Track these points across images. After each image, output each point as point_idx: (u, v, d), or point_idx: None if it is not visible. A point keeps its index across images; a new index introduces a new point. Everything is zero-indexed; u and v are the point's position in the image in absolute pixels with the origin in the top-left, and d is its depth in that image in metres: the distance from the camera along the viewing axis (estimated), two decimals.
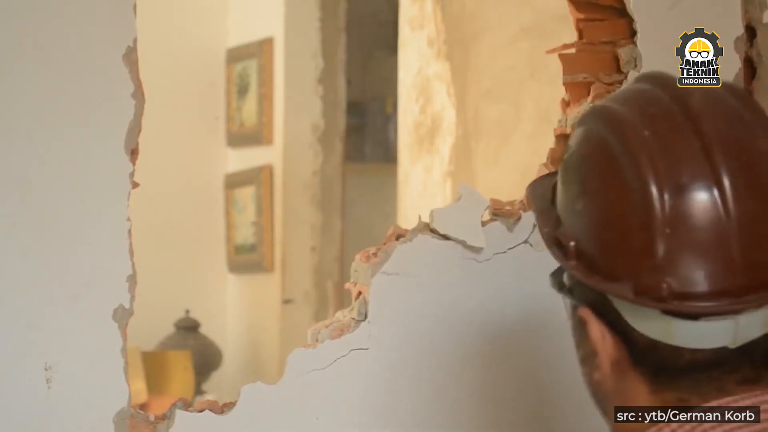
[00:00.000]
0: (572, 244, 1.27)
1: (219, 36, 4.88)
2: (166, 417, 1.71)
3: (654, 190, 1.23)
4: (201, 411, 1.72)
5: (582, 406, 1.85)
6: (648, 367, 1.27)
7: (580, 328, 1.31)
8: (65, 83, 1.64)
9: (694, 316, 1.23)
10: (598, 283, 1.26)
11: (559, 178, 1.33)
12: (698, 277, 1.22)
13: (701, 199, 1.22)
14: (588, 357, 1.31)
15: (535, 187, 1.41)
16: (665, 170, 1.23)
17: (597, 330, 1.28)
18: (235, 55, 4.84)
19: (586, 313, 1.28)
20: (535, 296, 1.82)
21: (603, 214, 1.26)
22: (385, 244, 1.81)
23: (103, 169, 1.65)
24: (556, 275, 1.35)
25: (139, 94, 1.67)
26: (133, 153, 1.67)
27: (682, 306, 1.22)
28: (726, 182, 1.22)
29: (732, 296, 1.22)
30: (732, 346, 1.23)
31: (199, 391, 4.38)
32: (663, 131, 1.25)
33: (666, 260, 1.22)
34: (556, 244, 1.30)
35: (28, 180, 1.63)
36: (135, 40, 1.66)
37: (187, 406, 1.73)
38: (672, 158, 1.23)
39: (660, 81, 1.30)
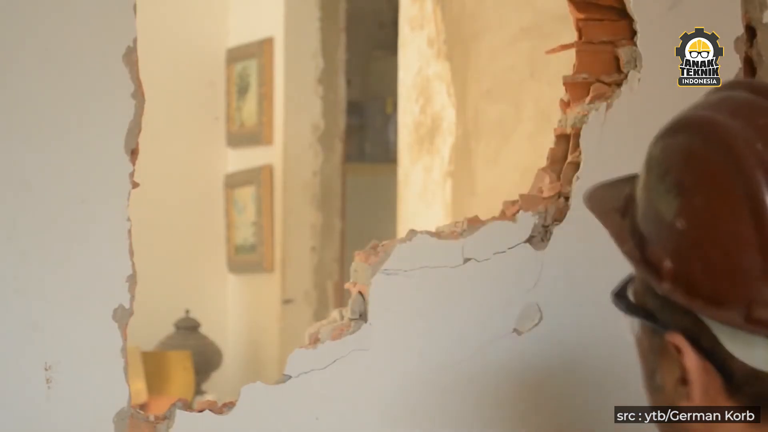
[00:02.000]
0: (668, 264, 1.18)
1: (219, 36, 4.88)
2: (166, 417, 1.71)
3: None
4: (201, 411, 1.72)
5: (581, 402, 1.85)
6: (746, 398, 1.18)
7: (660, 353, 1.22)
8: (65, 83, 1.64)
9: None
10: (702, 308, 1.16)
11: (644, 193, 1.23)
12: None
13: None
14: (670, 386, 1.22)
15: (598, 197, 1.30)
16: None
17: (693, 358, 1.18)
18: (235, 55, 4.84)
19: (679, 340, 1.19)
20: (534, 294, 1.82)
21: (710, 234, 1.16)
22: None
23: (103, 169, 1.65)
24: (621, 295, 1.24)
25: (139, 94, 1.67)
26: (133, 153, 1.67)
27: None
28: None
29: None
30: None
31: (199, 391, 4.38)
32: None
33: None
34: (645, 263, 1.20)
35: (28, 180, 1.63)
36: (135, 40, 1.66)
37: (187, 406, 1.73)
38: None
39: (759, 89, 1.21)
